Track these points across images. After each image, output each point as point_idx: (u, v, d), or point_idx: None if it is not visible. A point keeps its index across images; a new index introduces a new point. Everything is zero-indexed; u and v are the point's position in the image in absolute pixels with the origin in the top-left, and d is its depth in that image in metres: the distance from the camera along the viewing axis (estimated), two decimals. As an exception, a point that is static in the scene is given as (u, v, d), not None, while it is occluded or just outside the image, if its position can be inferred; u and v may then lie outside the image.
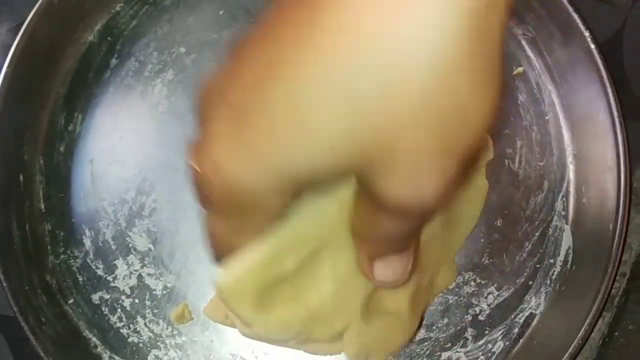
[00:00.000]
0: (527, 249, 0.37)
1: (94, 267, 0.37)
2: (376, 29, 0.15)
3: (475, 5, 0.15)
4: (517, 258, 0.37)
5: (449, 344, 0.36)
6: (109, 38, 0.39)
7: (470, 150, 0.17)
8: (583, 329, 0.33)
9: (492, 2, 0.16)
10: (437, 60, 0.15)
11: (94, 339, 0.36)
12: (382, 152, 0.16)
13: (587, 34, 0.35)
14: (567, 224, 0.37)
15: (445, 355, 0.35)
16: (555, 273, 0.36)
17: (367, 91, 0.16)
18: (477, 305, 0.36)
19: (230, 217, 0.20)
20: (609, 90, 0.35)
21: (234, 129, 0.18)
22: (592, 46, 0.35)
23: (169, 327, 0.36)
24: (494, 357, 0.35)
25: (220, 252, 0.23)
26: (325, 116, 0.16)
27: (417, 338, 0.35)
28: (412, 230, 0.20)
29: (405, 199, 0.17)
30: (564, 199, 0.37)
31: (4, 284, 0.33)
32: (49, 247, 0.37)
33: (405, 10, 0.15)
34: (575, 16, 0.36)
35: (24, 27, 0.36)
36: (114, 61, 0.39)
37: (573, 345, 0.33)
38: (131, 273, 0.37)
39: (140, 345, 0.36)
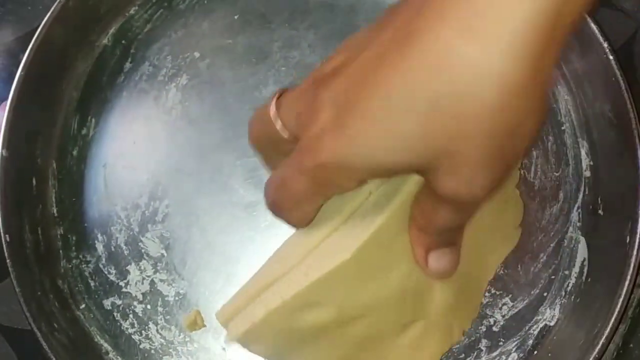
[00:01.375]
0: (542, 260, 0.36)
1: (106, 272, 0.37)
2: (455, 60, 0.19)
3: (540, 40, 0.19)
4: (532, 269, 0.36)
5: (463, 355, 0.35)
6: (123, 42, 0.39)
7: (518, 158, 0.22)
8: (600, 342, 0.32)
9: (554, 40, 0.19)
10: (503, 84, 0.19)
11: (106, 344, 0.36)
12: (450, 154, 0.20)
13: (605, 44, 0.35)
14: (582, 235, 0.37)
15: (458, 366, 0.35)
16: (570, 285, 0.36)
17: (445, 107, 0.19)
18: (491, 316, 0.36)
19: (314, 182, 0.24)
20: (627, 101, 0.35)
21: (335, 112, 0.22)
22: (611, 57, 0.35)
23: (181, 333, 0.36)
24: (507, 369, 0.35)
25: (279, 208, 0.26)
26: (410, 118, 0.20)
27: (431, 348, 0.35)
28: (462, 221, 0.24)
29: (462, 192, 0.21)
30: (579, 210, 0.37)
31: (17, 290, 0.33)
32: (61, 251, 0.37)
33: (479, 42, 0.19)
34: (594, 27, 0.35)
35: (38, 30, 0.36)
36: (128, 65, 0.39)
37: (590, 359, 0.33)
38: (143, 279, 0.36)
39: (152, 351, 0.36)
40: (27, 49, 0.35)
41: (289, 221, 0.26)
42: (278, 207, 0.25)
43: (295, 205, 0.25)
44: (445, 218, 0.24)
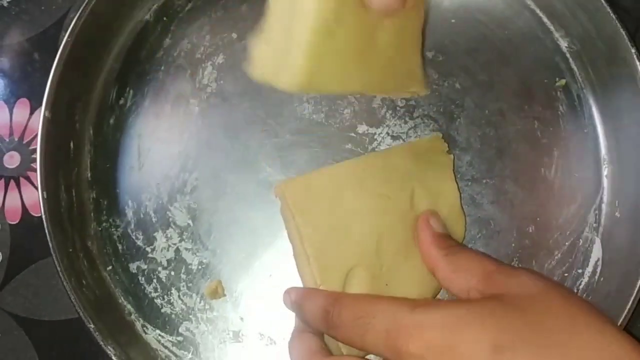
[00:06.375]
0: (556, 258, 0.37)
1: (133, 237, 0.38)
2: None
3: None
4: (546, 265, 0.37)
5: (472, 343, 0.36)
6: (164, 18, 0.41)
7: None
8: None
9: None
10: None
11: (129, 306, 0.37)
12: None
13: (633, 51, 0.36)
14: (598, 236, 0.37)
15: None
16: (583, 283, 0.37)
17: None
18: (503, 308, 0.37)
19: None
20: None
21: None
22: (638, 64, 0.36)
23: (202, 301, 0.37)
24: (515, 360, 0.36)
25: None
26: None
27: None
28: None
29: None
30: (596, 212, 0.38)
31: (50, 245, 0.35)
32: (92, 214, 0.38)
33: None
34: (624, 33, 0.36)
35: (85, 1, 0.37)
36: (167, 41, 0.40)
37: (597, 353, 0.33)
38: (169, 246, 0.38)
39: (173, 316, 0.37)
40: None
41: None
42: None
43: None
44: None
